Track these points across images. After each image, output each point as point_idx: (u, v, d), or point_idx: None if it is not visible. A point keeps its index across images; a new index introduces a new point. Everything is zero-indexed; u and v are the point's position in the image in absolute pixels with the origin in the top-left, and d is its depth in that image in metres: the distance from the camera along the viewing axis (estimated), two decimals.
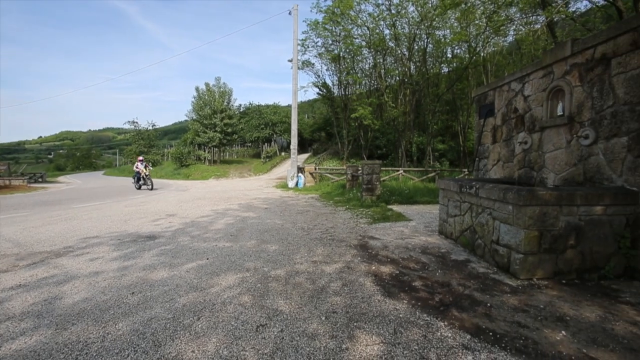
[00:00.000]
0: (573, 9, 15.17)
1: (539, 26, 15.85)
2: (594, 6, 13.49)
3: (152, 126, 39.79)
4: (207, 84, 34.35)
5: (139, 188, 15.30)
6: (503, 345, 2.01)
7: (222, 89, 34.50)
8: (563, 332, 2.16)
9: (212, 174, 28.00)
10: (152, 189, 14.98)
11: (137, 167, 15.24)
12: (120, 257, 3.95)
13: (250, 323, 2.30)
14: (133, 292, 2.86)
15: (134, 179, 15.49)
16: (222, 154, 37.69)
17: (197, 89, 34.34)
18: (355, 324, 2.28)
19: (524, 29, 17.29)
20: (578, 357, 1.88)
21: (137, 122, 38.27)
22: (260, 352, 1.96)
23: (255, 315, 2.43)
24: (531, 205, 3.06)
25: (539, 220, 3.07)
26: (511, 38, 19.76)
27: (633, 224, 3.12)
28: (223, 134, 32.97)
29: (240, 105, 41.84)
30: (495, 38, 19.27)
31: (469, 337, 2.11)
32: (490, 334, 2.15)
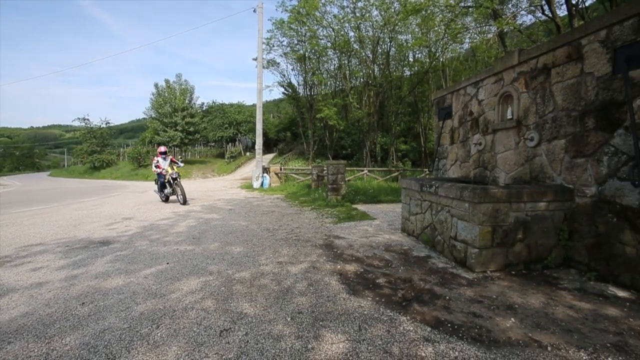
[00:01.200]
0: (520, 22, 16.46)
1: (491, 35, 17.02)
2: (537, 20, 14.77)
3: (106, 124, 37.05)
4: (167, 81, 32.78)
5: (166, 200, 9.59)
6: (460, 335, 2.13)
7: (183, 86, 33.10)
8: (512, 319, 2.33)
9: None
10: (184, 202, 8.83)
11: (157, 166, 9.19)
12: (68, 265, 3.64)
13: (213, 328, 2.23)
14: (83, 303, 2.65)
15: (157, 184, 9.73)
16: (183, 154, 36.16)
17: (156, 85, 32.67)
18: (320, 323, 2.29)
19: (478, 38, 18.43)
20: (524, 341, 2.04)
21: (88, 119, 35.42)
22: (224, 357, 1.90)
23: (219, 319, 2.35)
24: (485, 203, 3.27)
25: (491, 217, 3.29)
26: (467, 45, 20.97)
27: (570, 218, 3.45)
28: (184, 133, 31.64)
29: (203, 103, 40.37)
30: (453, 45, 20.35)
31: (429, 329, 2.21)
32: (449, 325, 2.26)
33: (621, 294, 2.76)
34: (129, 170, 30.30)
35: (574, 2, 11.82)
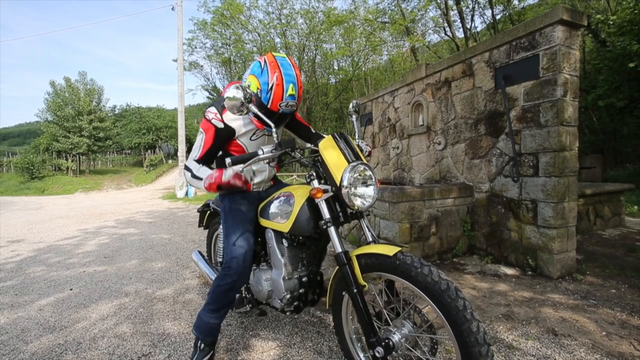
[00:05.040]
0: (428, 40, 18.58)
1: (405, 49, 18.86)
2: (441, 39, 16.91)
3: None
4: (67, 79, 28.57)
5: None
6: None
7: (89, 87, 29.24)
8: (428, 306, 2.59)
9: (79, 187, 23.32)
10: None
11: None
12: None
13: (129, 356, 2.01)
14: None
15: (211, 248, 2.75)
16: (92, 163, 31.85)
17: (52, 83, 28.23)
18: (250, 333, 2.24)
19: (394, 51, 20.25)
20: (438, 324, 2.29)
21: None
22: None
23: (137, 345, 2.13)
24: (403, 202, 3.58)
25: (409, 214, 3.62)
26: (386, 57, 22.82)
27: (471, 211, 4.00)
28: (92, 140, 27.93)
29: (115, 106, 36.28)
30: (373, 55, 21.94)
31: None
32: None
33: (509, 272, 3.29)
34: (17, 183, 25.38)
35: (468, 27, 13.85)
